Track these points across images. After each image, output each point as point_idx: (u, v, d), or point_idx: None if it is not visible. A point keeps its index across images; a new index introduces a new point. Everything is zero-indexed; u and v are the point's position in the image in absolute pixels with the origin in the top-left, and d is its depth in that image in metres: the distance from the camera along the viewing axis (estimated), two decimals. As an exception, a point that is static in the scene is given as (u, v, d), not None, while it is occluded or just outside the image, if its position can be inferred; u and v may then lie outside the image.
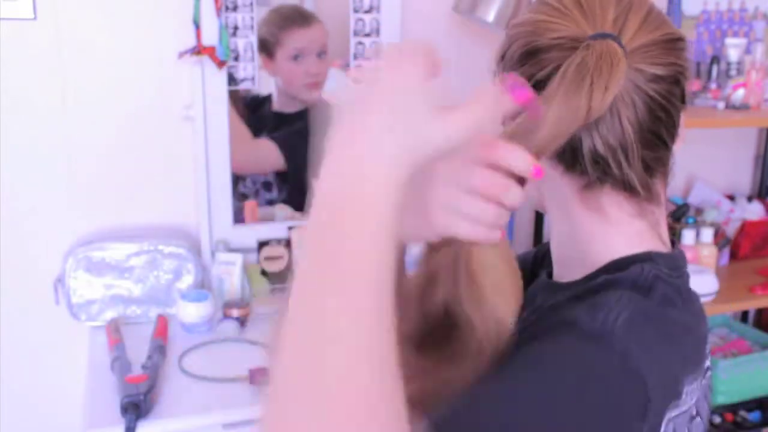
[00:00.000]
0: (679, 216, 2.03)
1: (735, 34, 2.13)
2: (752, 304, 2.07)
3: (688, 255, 1.93)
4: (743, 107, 1.92)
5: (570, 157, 0.66)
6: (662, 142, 0.67)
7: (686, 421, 0.65)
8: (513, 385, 0.59)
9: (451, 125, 0.51)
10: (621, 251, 0.69)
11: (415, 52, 0.52)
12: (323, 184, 0.49)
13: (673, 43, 0.66)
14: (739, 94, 1.94)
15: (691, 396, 0.64)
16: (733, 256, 2.17)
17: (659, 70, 0.64)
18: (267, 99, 1.91)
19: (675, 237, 1.97)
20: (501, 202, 0.57)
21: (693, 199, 2.21)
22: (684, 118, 0.70)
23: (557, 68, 0.62)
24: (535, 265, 0.88)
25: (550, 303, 0.70)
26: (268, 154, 1.87)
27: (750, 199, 2.28)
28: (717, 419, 2.09)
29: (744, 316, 2.36)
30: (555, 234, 0.74)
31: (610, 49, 0.61)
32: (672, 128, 0.67)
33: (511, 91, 0.55)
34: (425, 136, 0.50)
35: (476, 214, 0.57)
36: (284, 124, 1.90)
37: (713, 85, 2.04)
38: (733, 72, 2.05)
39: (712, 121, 1.89)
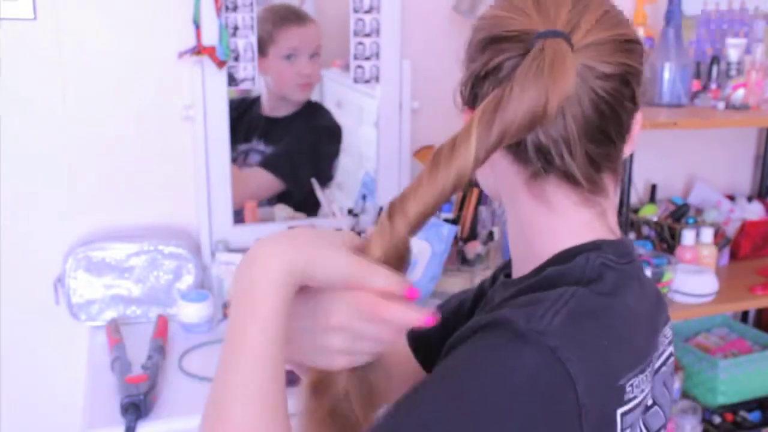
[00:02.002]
0: (679, 216, 2.03)
1: (735, 34, 2.13)
2: (752, 304, 2.07)
3: (688, 255, 1.94)
4: (743, 107, 1.92)
5: (515, 146, 0.68)
6: (609, 139, 0.68)
7: (639, 414, 0.66)
8: (434, 394, 0.60)
9: (351, 265, 0.59)
10: (567, 242, 0.70)
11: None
12: (233, 290, 0.61)
13: (626, 44, 0.67)
14: (739, 94, 1.94)
15: (639, 388, 0.65)
16: (733, 256, 2.17)
17: (607, 68, 0.65)
18: (255, 101, 1.91)
19: (675, 237, 1.97)
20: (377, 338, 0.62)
21: (693, 199, 2.21)
22: (640, 122, 0.72)
23: (508, 58, 0.66)
24: (493, 279, 0.89)
25: (500, 299, 0.71)
26: (264, 183, 1.88)
27: (750, 199, 2.28)
28: (717, 419, 2.09)
29: (744, 316, 2.36)
30: (509, 229, 0.76)
31: (560, 49, 0.63)
32: (620, 127, 0.68)
33: (409, 292, 0.61)
34: (322, 263, 0.59)
35: (348, 348, 0.62)
36: (275, 129, 1.89)
37: (713, 85, 2.04)
38: (733, 72, 2.05)
39: (712, 121, 1.89)
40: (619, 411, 0.62)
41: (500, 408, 0.57)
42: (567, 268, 0.67)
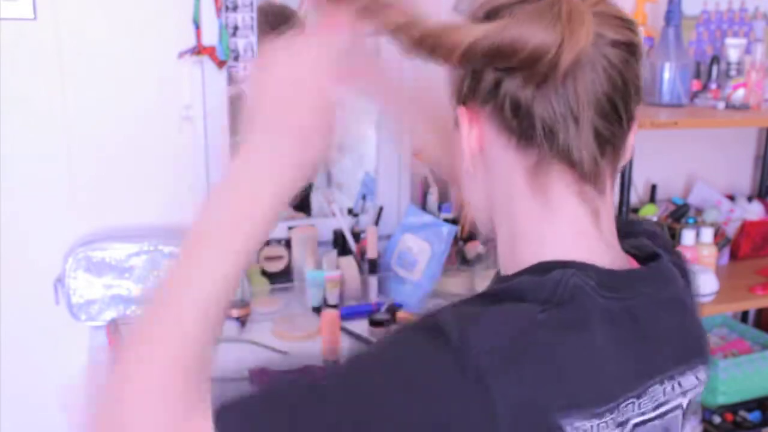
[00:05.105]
0: (679, 216, 2.03)
1: (735, 34, 2.13)
2: (752, 304, 2.07)
3: (688, 255, 1.94)
4: (743, 107, 1.92)
5: (526, 124, 0.64)
6: (617, 114, 0.65)
7: None
8: (345, 378, 0.59)
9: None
10: (553, 252, 0.66)
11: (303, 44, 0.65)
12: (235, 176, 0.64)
13: (629, 23, 0.66)
14: (739, 94, 1.94)
15: None
16: (733, 256, 2.17)
17: (618, 36, 0.63)
18: None
19: (675, 237, 1.97)
20: None
21: (693, 199, 2.21)
22: (635, 131, 0.69)
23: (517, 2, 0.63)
24: None
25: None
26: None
27: (750, 199, 2.28)
28: (717, 419, 2.09)
29: (744, 316, 2.36)
30: (498, 244, 0.72)
31: (578, 4, 0.61)
32: (627, 104, 0.65)
33: None
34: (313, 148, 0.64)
35: None
36: None
37: (713, 85, 2.04)
38: (733, 72, 2.05)
39: (712, 121, 1.89)
40: None
41: (402, 405, 0.56)
42: (539, 282, 0.62)
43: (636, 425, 0.64)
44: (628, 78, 0.65)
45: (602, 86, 0.63)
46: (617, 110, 0.65)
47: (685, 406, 0.68)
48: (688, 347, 0.70)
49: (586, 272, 0.63)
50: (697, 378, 0.70)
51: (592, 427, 0.59)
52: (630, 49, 0.64)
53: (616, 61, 0.63)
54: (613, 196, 0.70)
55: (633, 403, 0.63)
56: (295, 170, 0.64)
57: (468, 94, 0.68)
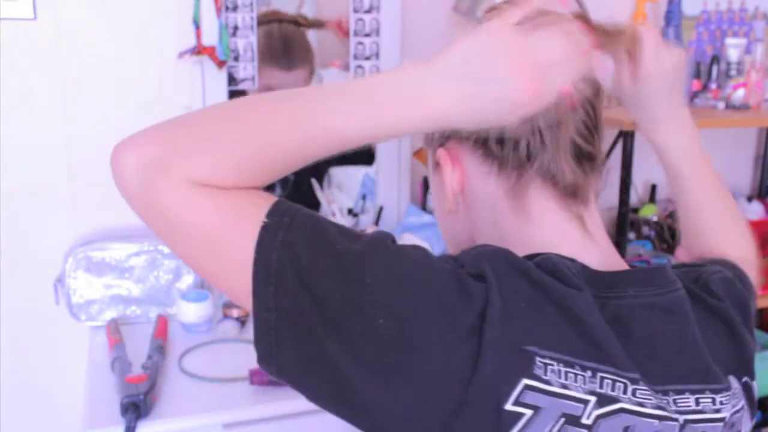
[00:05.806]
0: (679, 216, 2.03)
1: (735, 34, 2.13)
2: (752, 304, 2.06)
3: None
4: (743, 107, 1.92)
5: (508, 150, 0.68)
6: (591, 134, 0.69)
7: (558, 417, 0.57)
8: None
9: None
10: (538, 248, 0.67)
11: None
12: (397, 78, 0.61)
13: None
14: (739, 94, 1.94)
15: (560, 381, 0.57)
16: (733, 256, 2.17)
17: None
18: None
19: (675, 237, 1.97)
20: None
21: (693, 199, 2.21)
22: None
23: None
24: None
25: None
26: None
27: (750, 199, 2.28)
28: (717, 419, 2.08)
29: (744, 316, 2.35)
30: None
31: None
32: (597, 128, 0.70)
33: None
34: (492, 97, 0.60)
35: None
36: None
37: (713, 85, 2.04)
38: (733, 72, 2.05)
39: (712, 121, 1.89)
40: (524, 380, 0.56)
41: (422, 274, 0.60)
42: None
43: (624, 411, 0.60)
44: (597, 108, 0.70)
45: (579, 112, 0.68)
46: (591, 131, 0.69)
47: (681, 422, 0.62)
48: (686, 364, 0.64)
49: (570, 260, 0.64)
50: (698, 402, 0.63)
51: (560, 371, 0.58)
52: (596, 85, 0.70)
53: (587, 93, 0.69)
54: (597, 206, 0.73)
55: (616, 381, 0.59)
56: (440, 119, 0.60)
57: (451, 134, 0.71)
